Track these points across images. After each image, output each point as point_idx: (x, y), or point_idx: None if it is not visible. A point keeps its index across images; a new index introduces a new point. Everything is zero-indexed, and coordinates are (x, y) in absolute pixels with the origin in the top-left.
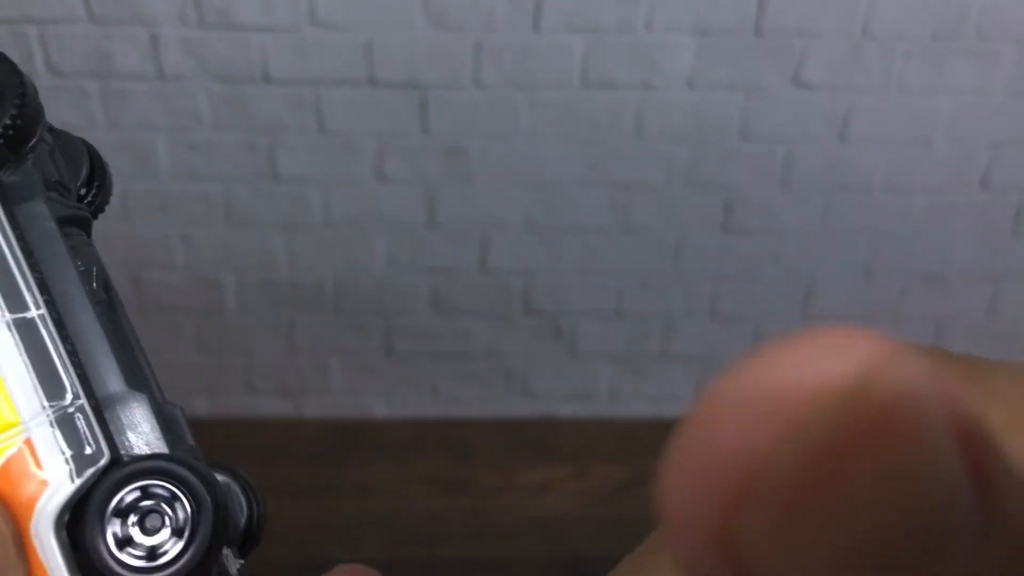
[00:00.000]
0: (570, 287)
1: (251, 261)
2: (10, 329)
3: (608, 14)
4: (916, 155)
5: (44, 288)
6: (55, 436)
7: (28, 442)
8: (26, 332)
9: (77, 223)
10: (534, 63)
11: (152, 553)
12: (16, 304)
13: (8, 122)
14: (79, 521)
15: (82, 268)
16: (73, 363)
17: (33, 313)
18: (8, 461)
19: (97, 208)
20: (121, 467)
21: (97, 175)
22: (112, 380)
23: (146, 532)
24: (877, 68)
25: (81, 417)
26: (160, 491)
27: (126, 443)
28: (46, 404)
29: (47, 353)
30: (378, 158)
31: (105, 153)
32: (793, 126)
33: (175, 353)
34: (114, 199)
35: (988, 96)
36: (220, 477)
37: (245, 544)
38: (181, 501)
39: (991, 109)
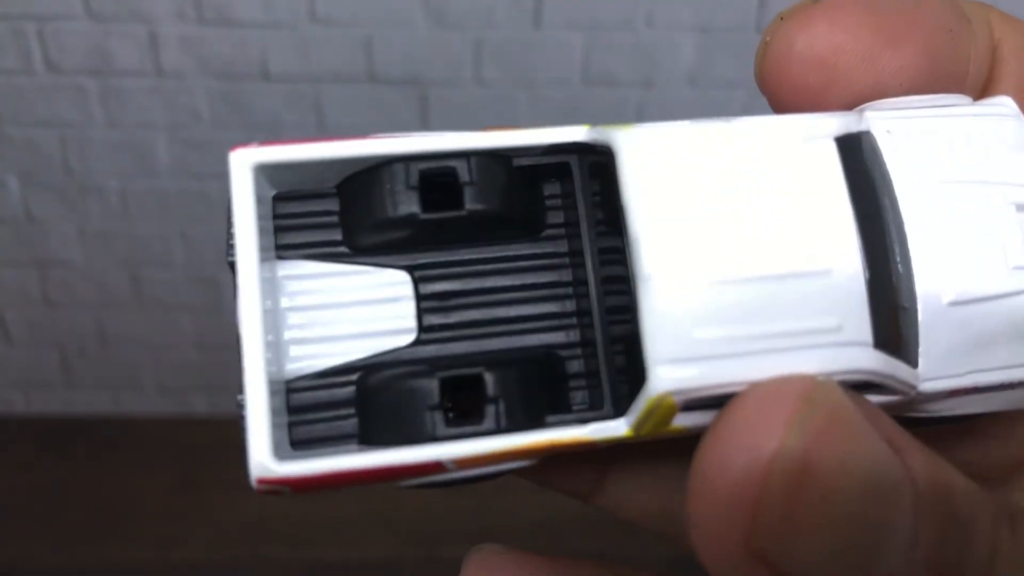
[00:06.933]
0: None
1: None
2: None
3: (609, 11)
4: None
5: None
6: None
7: None
8: None
9: None
10: (535, 60)
11: None
12: None
13: None
14: None
15: None
16: None
17: None
18: None
19: None
20: None
21: None
22: None
23: None
24: None
25: None
26: None
27: None
28: None
29: None
30: None
31: (104, 151)
32: None
33: (174, 352)
34: (113, 197)
35: None
36: None
37: None
38: None
39: None
